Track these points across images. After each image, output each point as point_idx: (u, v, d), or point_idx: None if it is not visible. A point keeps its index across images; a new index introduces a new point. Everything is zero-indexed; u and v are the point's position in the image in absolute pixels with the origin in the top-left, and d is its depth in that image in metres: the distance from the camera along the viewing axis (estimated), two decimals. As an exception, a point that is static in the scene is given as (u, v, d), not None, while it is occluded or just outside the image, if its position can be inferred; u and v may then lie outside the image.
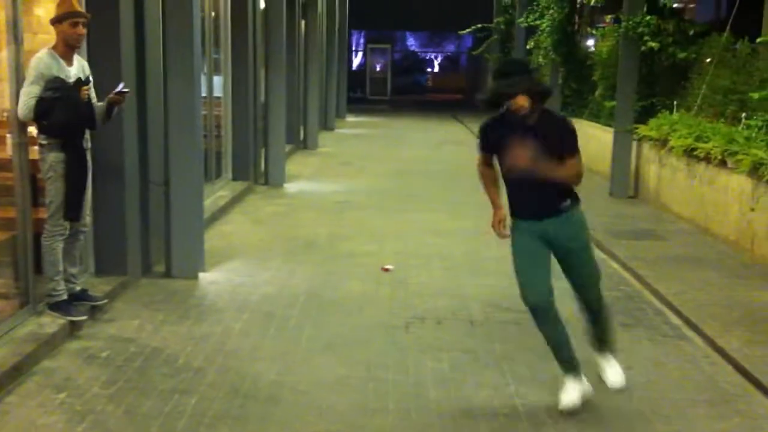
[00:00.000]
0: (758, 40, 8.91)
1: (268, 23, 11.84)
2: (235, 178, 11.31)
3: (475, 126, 20.62)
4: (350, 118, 25.71)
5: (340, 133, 21.18)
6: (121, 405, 4.29)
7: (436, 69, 46.43)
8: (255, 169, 11.80)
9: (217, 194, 10.05)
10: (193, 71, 6.59)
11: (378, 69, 40.20)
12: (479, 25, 22.63)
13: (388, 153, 16.94)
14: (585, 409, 4.43)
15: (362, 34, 42.40)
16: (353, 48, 39.91)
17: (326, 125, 20.87)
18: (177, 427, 4.07)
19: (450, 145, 18.90)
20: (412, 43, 46.72)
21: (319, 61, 17.96)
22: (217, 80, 10.80)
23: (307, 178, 12.92)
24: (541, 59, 16.74)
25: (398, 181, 12.90)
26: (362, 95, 37.53)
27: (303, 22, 16.68)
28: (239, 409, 4.32)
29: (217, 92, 10.81)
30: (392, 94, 38.98)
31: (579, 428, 4.22)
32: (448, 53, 45.35)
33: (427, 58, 47.05)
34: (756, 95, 8.02)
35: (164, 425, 4.08)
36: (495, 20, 23.62)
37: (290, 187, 11.99)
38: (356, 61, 41.51)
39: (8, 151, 6.14)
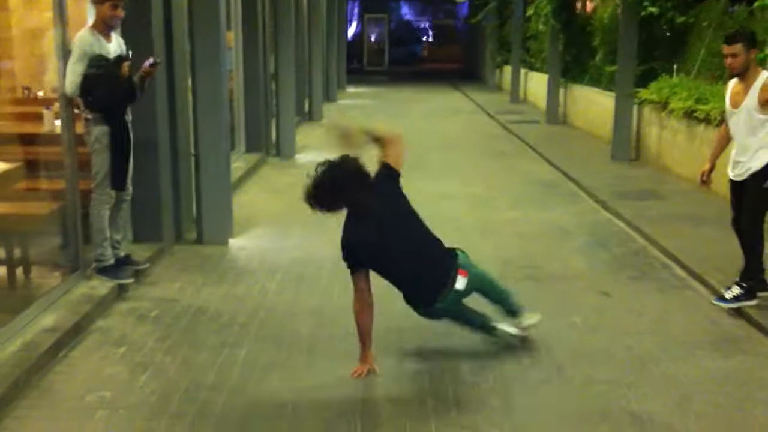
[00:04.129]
0: (755, 4, 9.21)
1: (276, -3, 12.11)
2: (248, 151, 11.65)
3: (475, 95, 20.81)
4: (350, 89, 25.98)
5: (342, 104, 21.46)
6: (177, 357, 4.68)
7: (432, 39, 46.40)
8: (266, 141, 12.13)
9: (233, 165, 10.35)
10: (219, 48, 6.93)
11: (374, 39, 40.27)
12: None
13: (391, 123, 17.11)
14: (598, 351, 4.84)
15: (356, 3, 42.37)
16: (348, 18, 39.98)
17: (328, 97, 21.13)
18: (232, 375, 4.46)
19: (450, 114, 19.21)
20: (407, 12, 46.63)
21: (321, 33, 18.19)
22: (229, 53, 11.07)
23: (316, 149, 13.20)
24: (540, 26, 17.00)
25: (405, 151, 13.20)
26: (359, 66, 37.70)
27: (306, -5, 16.88)
28: (285, 358, 4.72)
29: (229, 66, 11.08)
30: (390, 64, 39.12)
31: (593, 367, 4.62)
32: (444, 22, 45.27)
33: (423, 27, 46.98)
34: (754, 58, 8.34)
35: (220, 373, 4.47)
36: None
37: (301, 157, 12.33)
38: (350, 31, 41.52)
39: (46, 126, 6.53)
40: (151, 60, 5.68)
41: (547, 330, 5.18)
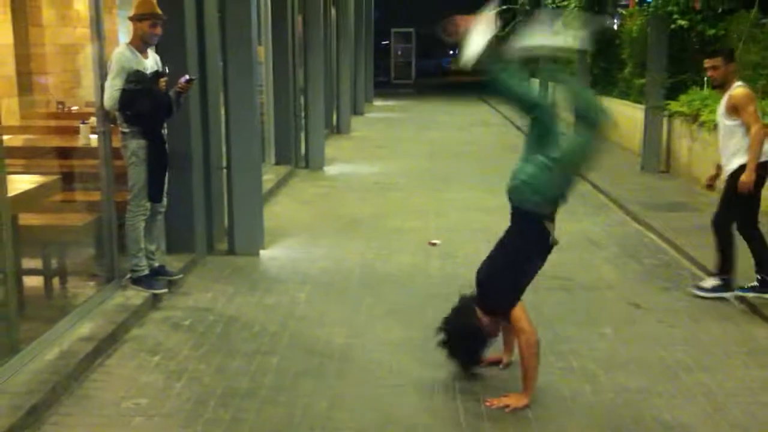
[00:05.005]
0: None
1: (306, 12, 12.24)
2: (277, 163, 11.77)
3: (503, 107, 20.79)
4: (378, 102, 26.12)
5: (370, 117, 21.59)
6: (212, 365, 4.75)
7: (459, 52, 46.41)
8: (296, 154, 12.25)
9: (263, 177, 10.45)
10: (251, 63, 7.04)
11: (401, 53, 40.41)
12: (504, 6, 22.79)
13: (419, 135, 17.31)
14: (629, 361, 4.83)
15: (383, 17, 42.58)
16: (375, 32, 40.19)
17: (356, 110, 21.25)
18: (265, 382, 4.52)
19: (478, 126, 19.24)
20: (433, 25, 46.75)
21: (349, 48, 18.33)
22: (259, 68, 11.22)
23: (344, 161, 13.34)
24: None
25: (433, 163, 13.29)
26: (386, 79, 37.88)
27: (334, 9, 17.05)
28: (317, 367, 4.76)
29: (259, 80, 11.23)
30: (417, 77, 39.24)
31: (625, 377, 4.62)
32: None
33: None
34: (785, 69, 8.30)
35: (254, 380, 4.53)
36: (520, 0, 23.81)
37: (330, 169, 12.44)
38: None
39: (81, 140, 6.66)
40: (187, 76, 5.80)
41: (579, 340, 5.19)
